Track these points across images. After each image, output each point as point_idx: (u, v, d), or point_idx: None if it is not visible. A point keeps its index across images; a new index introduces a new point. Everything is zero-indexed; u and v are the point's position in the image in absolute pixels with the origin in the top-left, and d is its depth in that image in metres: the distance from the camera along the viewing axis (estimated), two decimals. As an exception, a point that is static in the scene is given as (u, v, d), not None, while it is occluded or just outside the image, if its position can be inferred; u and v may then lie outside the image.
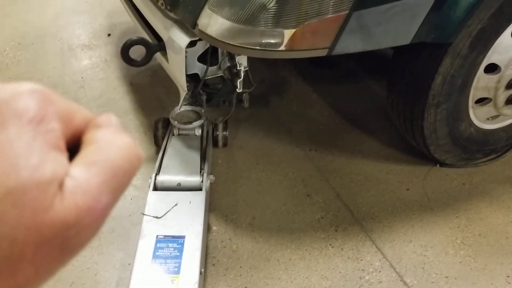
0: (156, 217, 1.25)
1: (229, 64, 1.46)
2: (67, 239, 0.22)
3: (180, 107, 1.55)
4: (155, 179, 1.37)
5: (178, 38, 1.35)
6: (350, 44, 1.19)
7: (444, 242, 1.45)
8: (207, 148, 1.54)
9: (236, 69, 1.41)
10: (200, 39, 1.38)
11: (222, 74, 1.51)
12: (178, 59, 1.39)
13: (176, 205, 1.28)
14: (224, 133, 1.72)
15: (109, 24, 2.54)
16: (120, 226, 1.47)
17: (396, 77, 1.51)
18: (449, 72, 1.37)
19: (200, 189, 1.35)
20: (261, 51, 1.18)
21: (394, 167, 1.73)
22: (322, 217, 1.53)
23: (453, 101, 1.45)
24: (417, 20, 1.20)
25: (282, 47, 1.17)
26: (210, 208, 1.53)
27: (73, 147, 0.25)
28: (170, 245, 1.18)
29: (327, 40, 1.17)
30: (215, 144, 1.73)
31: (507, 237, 1.47)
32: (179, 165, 1.42)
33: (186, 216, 1.26)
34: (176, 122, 1.58)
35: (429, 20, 1.21)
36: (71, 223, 0.22)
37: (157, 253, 1.16)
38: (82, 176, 0.23)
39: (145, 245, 1.18)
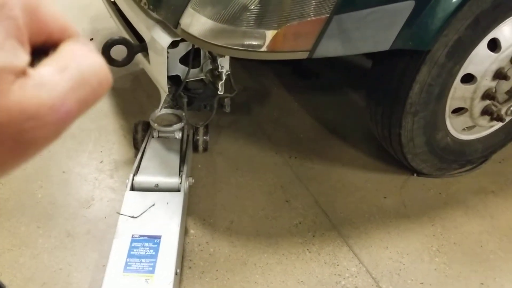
0: (132, 217, 1.23)
1: (211, 67, 1.47)
2: (24, 131, 0.21)
3: (161, 109, 1.54)
4: (133, 179, 1.35)
5: (160, 38, 1.35)
6: (331, 48, 1.21)
7: (419, 249, 1.46)
8: (186, 151, 1.54)
9: (218, 71, 1.42)
10: (182, 40, 1.39)
11: (203, 77, 1.51)
12: (160, 60, 1.39)
13: (153, 205, 1.27)
14: (204, 137, 1.72)
15: (92, 29, 2.53)
16: (96, 228, 1.44)
17: (375, 86, 1.54)
18: (426, 81, 1.40)
19: (178, 191, 1.34)
20: (243, 51, 1.19)
21: (372, 175, 1.74)
22: (300, 223, 1.53)
23: (430, 110, 1.47)
24: (396, 26, 1.23)
25: (263, 48, 1.18)
26: (188, 211, 1.52)
27: (45, 52, 0.25)
28: (146, 244, 1.16)
29: (308, 43, 1.18)
30: (195, 148, 1.72)
31: (481, 246, 1.49)
32: (158, 167, 1.41)
33: (163, 216, 1.25)
34: (156, 124, 1.58)
35: (408, 27, 1.24)
36: (30, 113, 0.21)
37: (132, 252, 1.14)
38: (51, 76, 0.22)
39: (120, 244, 1.16)
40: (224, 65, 1.43)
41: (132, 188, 1.34)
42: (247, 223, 1.52)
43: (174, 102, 1.61)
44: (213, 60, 1.41)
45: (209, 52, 1.42)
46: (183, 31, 1.26)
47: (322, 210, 1.58)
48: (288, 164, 1.77)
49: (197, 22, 1.22)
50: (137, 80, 2.12)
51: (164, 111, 1.66)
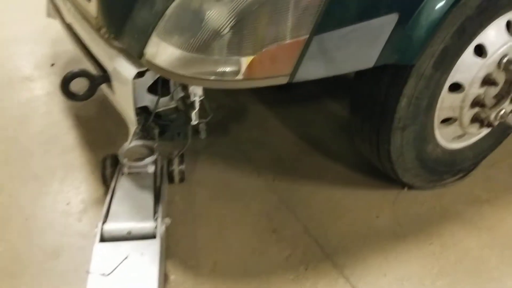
0: (103, 275, 1.10)
1: (182, 94, 1.34)
2: None
3: (130, 143, 1.41)
4: (102, 228, 1.22)
5: (124, 69, 1.22)
6: (312, 70, 1.10)
7: (420, 273, 1.36)
8: (161, 187, 1.41)
9: (190, 100, 1.29)
10: (148, 69, 1.26)
11: (175, 105, 1.39)
12: (126, 92, 1.26)
13: (126, 258, 1.14)
14: (180, 167, 1.59)
15: (53, 53, 2.37)
16: (66, 282, 1.30)
17: (359, 102, 1.43)
18: (414, 94, 1.30)
19: (154, 237, 1.21)
20: (216, 81, 1.07)
21: (362, 192, 1.64)
22: (290, 255, 1.42)
23: (419, 123, 1.38)
24: (380, 42, 1.13)
25: (239, 76, 1.06)
26: (167, 254, 1.38)
27: None
28: (121, 307, 1.03)
29: (287, 67, 1.07)
30: (171, 180, 1.59)
31: (483, 262, 1.40)
32: (130, 210, 1.28)
33: (138, 270, 1.12)
34: (125, 159, 1.44)
35: (391, 42, 1.14)
36: None
37: (106, 319, 1.01)
38: None
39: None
40: (197, 92, 1.31)
41: (102, 239, 1.21)
42: (232, 261, 1.39)
43: (144, 133, 1.48)
44: (184, 88, 1.28)
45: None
46: (149, 62, 1.13)
47: (312, 239, 1.47)
48: (272, 187, 1.65)
49: (163, 52, 1.10)
50: (103, 106, 1.97)
51: (134, 143, 1.52)
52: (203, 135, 1.54)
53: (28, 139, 1.82)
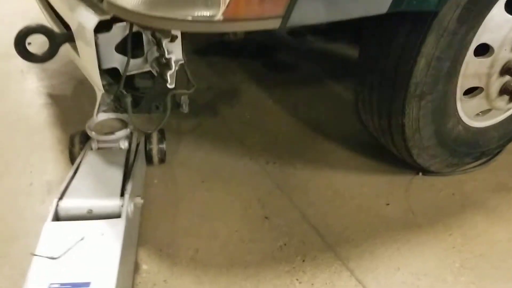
0: (52, 258, 0.89)
1: (157, 55, 1.14)
2: None
3: (97, 113, 1.21)
4: (57, 205, 1.01)
5: (85, 20, 1.03)
6: (310, 12, 0.90)
7: (439, 267, 1.14)
8: (134, 164, 1.20)
9: (165, 58, 1.09)
10: (116, 21, 1.07)
11: (149, 69, 1.18)
12: (89, 48, 1.06)
13: (82, 239, 0.93)
14: (160, 145, 1.38)
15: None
16: (21, 269, 1.08)
17: (368, 65, 1.23)
18: (434, 54, 1.09)
19: (119, 217, 1.00)
20: (191, 23, 0.87)
21: (368, 178, 1.43)
22: (285, 244, 1.20)
23: (439, 91, 1.17)
24: (394, -23, 0.92)
25: (219, 16, 0.86)
26: (140, 241, 1.18)
27: None
28: (68, 297, 0.82)
29: (279, 6, 0.87)
30: (150, 160, 1.39)
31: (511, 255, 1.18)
32: (93, 187, 1.07)
33: (95, 254, 0.91)
34: (93, 132, 1.24)
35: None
36: None
37: (47, 311, 0.80)
38: None
39: (30, 300, 0.82)
40: (174, 50, 1.10)
41: (57, 218, 1.00)
42: (217, 250, 1.18)
43: (116, 103, 1.28)
44: (158, 44, 1.08)
45: (152, 34, 1.09)
46: (110, 3, 0.93)
47: (311, 226, 1.26)
48: (266, 171, 1.44)
49: (125, -11, 0.90)
50: (80, 85, 1.78)
51: (105, 116, 1.32)
52: (185, 109, 1.33)
53: (-5, 118, 1.63)
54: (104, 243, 0.92)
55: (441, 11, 1.02)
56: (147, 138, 1.38)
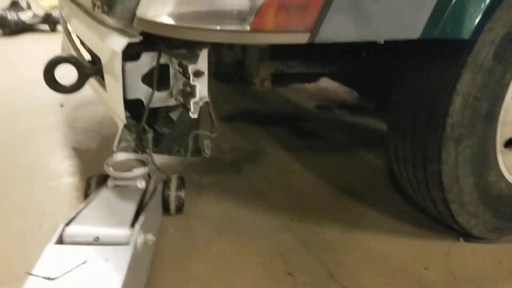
0: (48, 279, 0.79)
1: (181, 87, 1.12)
2: None
3: (117, 146, 1.16)
4: (63, 230, 0.93)
5: (113, 44, 1.03)
6: (340, 29, 0.87)
7: (491, 337, 0.98)
8: (149, 203, 1.12)
9: (190, 86, 1.06)
10: (144, 49, 1.07)
11: (174, 104, 1.16)
12: (115, 74, 1.05)
13: (84, 262, 0.83)
14: (178, 193, 1.31)
15: (64, 96, 2.24)
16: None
17: (400, 109, 1.17)
18: (470, 93, 1.04)
19: (127, 245, 0.90)
20: (218, 33, 0.85)
21: (403, 241, 1.30)
22: (309, 302, 1.06)
23: (478, 134, 1.09)
24: (428, 3, 0.90)
25: (246, 27, 0.84)
26: (149, 286, 1.06)
27: None
28: (58, 320, 0.71)
29: (307, 20, 0.85)
30: (166, 208, 1.31)
31: None
32: (103, 216, 0.99)
33: (95, 279, 0.80)
34: (111, 168, 1.18)
35: (443, 4, 0.91)
36: None
37: (31, 333, 0.69)
38: None
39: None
40: (199, 86, 1.08)
41: (61, 243, 0.91)
42: (232, 302, 1.05)
43: (137, 141, 1.24)
44: (184, 71, 1.06)
45: (179, 64, 1.08)
46: (141, 20, 0.94)
47: (340, 285, 1.12)
48: (290, 228, 1.33)
49: (155, 5, 0.91)
50: (106, 141, 1.77)
51: (125, 156, 1.27)
52: (208, 153, 1.28)
53: (19, 165, 1.60)
54: (108, 269, 0.82)
55: (475, 44, 0.98)
56: (166, 183, 1.31)
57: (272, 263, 1.19)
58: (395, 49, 1.08)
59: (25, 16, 3.60)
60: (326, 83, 2.67)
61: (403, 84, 1.15)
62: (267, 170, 1.64)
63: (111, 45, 1.03)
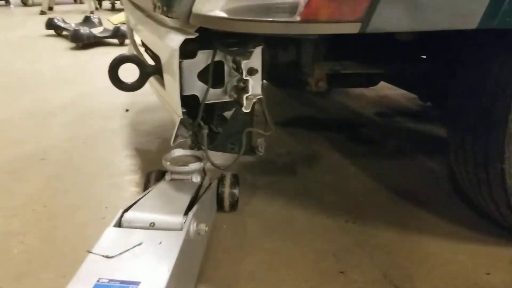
0: (107, 257, 0.83)
1: (235, 84, 1.15)
2: None
3: (174, 140, 1.21)
4: (122, 216, 0.97)
5: (171, 41, 1.08)
6: (392, 18, 0.87)
7: None
8: (203, 195, 1.15)
9: (243, 82, 1.09)
10: (200, 47, 1.11)
11: (228, 100, 1.19)
12: (173, 70, 1.10)
13: (139, 244, 0.87)
14: (232, 190, 1.33)
15: (129, 101, 2.36)
16: None
17: (459, 105, 1.13)
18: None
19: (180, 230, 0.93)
20: (269, 24, 0.87)
21: (464, 246, 1.24)
22: (361, 301, 1.04)
23: (544, 131, 1.03)
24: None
25: (296, 17, 0.85)
26: (200, 279, 1.08)
27: None
28: (113, 293, 0.75)
29: (358, 9, 0.85)
30: (220, 205, 1.33)
31: None
32: (159, 205, 1.03)
33: (149, 258, 0.84)
34: (168, 163, 1.23)
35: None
36: None
37: (88, 303, 0.73)
38: None
39: (74, 291, 0.75)
40: (253, 84, 1.10)
41: (119, 226, 0.96)
42: (282, 296, 1.05)
43: (193, 138, 1.28)
44: (237, 67, 1.09)
45: (233, 60, 1.12)
46: (196, 16, 0.98)
47: (394, 287, 1.09)
48: (344, 229, 1.31)
49: (210, 1, 0.95)
50: (166, 143, 1.84)
51: (182, 152, 1.32)
52: (261, 151, 1.30)
53: (82, 162, 1.69)
54: (161, 251, 0.86)
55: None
56: (220, 180, 1.34)
57: (324, 261, 1.18)
58: (453, 47, 1.05)
59: (96, 31, 3.84)
60: (386, 91, 2.63)
61: (463, 81, 1.12)
62: (322, 174, 1.64)
63: (170, 42, 1.08)
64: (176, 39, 1.06)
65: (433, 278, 1.12)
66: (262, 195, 1.48)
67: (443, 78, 1.44)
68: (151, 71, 1.22)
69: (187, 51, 1.10)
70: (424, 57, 1.44)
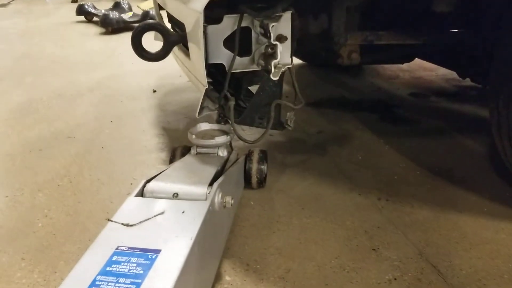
0: (127, 225, 0.80)
1: (263, 51, 1.09)
2: None
3: (199, 111, 1.17)
4: (144, 185, 0.94)
5: (195, 3, 1.03)
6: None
7: None
8: (230, 169, 1.11)
9: (271, 47, 1.04)
10: (227, 11, 1.06)
11: (256, 69, 1.14)
12: (197, 37, 1.05)
13: (162, 213, 0.83)
14: (260, 166, 1.29)
15: (157, 84, 2.34)
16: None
17: (503, 72, 1.05)
18: None
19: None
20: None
21: (505, 226, 1.16)
22: (395, 279, 0.98)
23: None
24: None
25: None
26: (226, 254, 1.05)
27: None
28: (134, 260, 0.71)
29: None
30: (248, 181, 1.29)
31: None
32: (183, 176, 0.99)
33: (171, 227, 0.80)
34: (194, 136, 1.19)
35: None
36: None
37: (108, 268, 0.69)
38: None
39: (93, 257, 0.72)
40: (283, 52, 1.05)
41: (142, 196, 0.93)
42: (311, 273, 1.00)
43: (220, 111, 1.24)
44: (265, 31, 1.04)
45: (261, 25, 1.06)
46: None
47: (430, 265, 1.02)
48: (377, 207, 1.25)
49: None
50: (193, 122, 1.81)
51: (209, 126, 1.28)
52: (291, 125, 1.24)
53: (110, 139, 1.68)
54: (183, 220, 0.82)
55: None
56: (248, 156, 1.30)
57: (356, 238, 1.12)
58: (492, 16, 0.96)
59: (126, 16, 3.85)
60: (420, 72, 2.53)
61: (506, 46, 1.03)
62: (354, 152, 1.57)
63: (193, 5, 1.03)
64: (200, 1, 1.01)
65: (471, 257, 1.05)
66: (291, 173, 1.43)
67: (483, 50, 1.35)
68: (176, 39, 1.18)
69: (212, 16, 1.05)
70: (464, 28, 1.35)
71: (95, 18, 4.21)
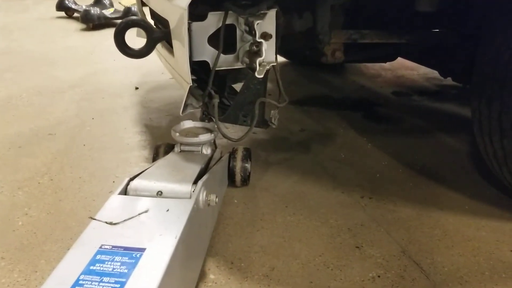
0: (110, 223, 0.79)
1: (248, 49, 1.09)
2: None
3: (183, 109, 1.16)
4: (128, 183, 0.93)
5: (180, 0, 1.02)
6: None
7: None
8: (213, 167, 1.10)
9: (256, 45, 1.03)
10: (209, 9, 1.05)
11: (240, 66, 1.13)
12: (181, 34, 1.04)
13: (146, 211, 0.82)
14: (244, 164, 1.28)
15: (140, 81, 2.32)
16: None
17: (485, 71, 1.07)
18: None
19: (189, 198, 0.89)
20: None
21: (486, 223, 1.18)
22: (379, 276, 0.99)
23: None
24: None
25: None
26: (210, 252, 1.04)
27: None
28: (118, 258, 0.70)
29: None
30: (232, 179, 1.29)
31: None
32: (167, 174, 0.98)
33: (155, 225, 0.79)
34: (177, 134, 1.18)
35: None
36: None
37: (92, 268, 0.68)
38: None
39: (76, 256, 0.71)
40: (267, 50, 1.05)
41: (125, 194, 0.91)
42: (295, 271, 1.00)
43: (204, 109, 1.23)
44: (250, 29, 1.04)
45: (245, 22, 1.06)
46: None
47: (413, 262, 1.03)
48: (360, 205, 1.26)
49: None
50: (177, 119, 1.79)
51: (192, 123, 1.27)
52: (274, 122, 1.24)
53: (91, 137, 1.65)
54: (168, 218, 0.81)
55: None
56: (232, 154, 1.29)
57: (340, 236, 1.12)
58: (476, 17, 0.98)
59: (107, 12, 3.79)
60: (402, 71, 2.55)
61: (488, 46, 1.05)
62: (337, 150, 1.58)
63: (178, 2, 1.02)
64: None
65: (453, 254, 1.06)
66: (275, 171, 1.43)
67: (465, 50, 1.37)
68: (160, 36, 1.16)
69: (196, 13, 1.04)
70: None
71: (75, 14, 4.15)
